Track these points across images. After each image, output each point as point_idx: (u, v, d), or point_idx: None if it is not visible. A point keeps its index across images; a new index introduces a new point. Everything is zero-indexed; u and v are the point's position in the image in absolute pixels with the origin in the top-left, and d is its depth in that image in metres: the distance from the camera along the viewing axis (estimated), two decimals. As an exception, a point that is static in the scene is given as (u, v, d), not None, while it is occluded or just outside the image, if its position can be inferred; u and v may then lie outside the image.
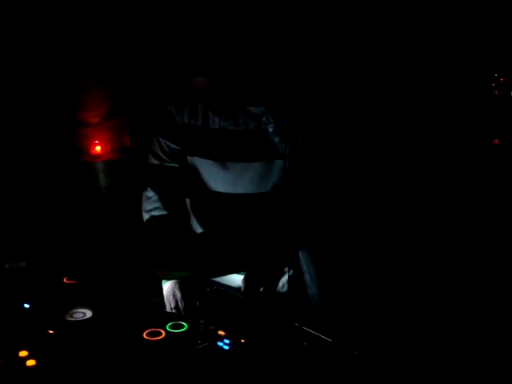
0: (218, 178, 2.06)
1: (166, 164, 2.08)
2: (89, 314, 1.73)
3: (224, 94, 1.93)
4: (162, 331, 1.61)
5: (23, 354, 1.48)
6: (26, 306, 1.78)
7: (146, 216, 2.13)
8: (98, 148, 4.17)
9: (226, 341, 1.57)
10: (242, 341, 1.57)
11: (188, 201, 2.20)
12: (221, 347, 1.54)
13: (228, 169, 2.04)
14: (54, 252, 2.29)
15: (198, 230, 2.22)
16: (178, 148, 2.07)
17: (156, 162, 2.10)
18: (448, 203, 3.63)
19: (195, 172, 2.11)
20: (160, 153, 2.08)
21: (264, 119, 1.93)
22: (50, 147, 3.78)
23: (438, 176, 3.77)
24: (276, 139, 1.89)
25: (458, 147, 3.94)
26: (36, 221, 3.22)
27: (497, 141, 4.47)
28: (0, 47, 3.63)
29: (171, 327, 1.64)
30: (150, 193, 2.11)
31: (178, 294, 1.86)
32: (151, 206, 2.11)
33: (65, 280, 1.99)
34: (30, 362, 1.44)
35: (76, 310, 1.74)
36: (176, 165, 2.09)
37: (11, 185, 3.45)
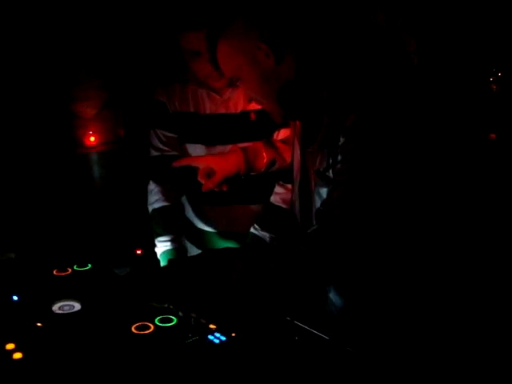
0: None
1: (166, 154, 2.11)
2: (77, 306, 1.71)
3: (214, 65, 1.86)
4: (150, 325, 1.59)
5: (10, 346, 1.45)
6: (15, 298, 1.75)
7: (149, 209, 2.15)
8: (92, 139, 4.15)
9: (217, 334, 1.54)
10: (233, 334, 1.55)
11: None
12: (211, 341, 1.52)
13: (218, 152, 2.07)
14: (45, 244, 2.27)
15: (195, 220, 2.23)
16: (175, 136, 2.08)
17: (156, 153, 2.13)
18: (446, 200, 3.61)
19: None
20: (158, 143, 2.12)
21: None
22: (42, 138, 3.76)
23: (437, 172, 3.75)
24: None
25: (455, 142, 3.92)
26: (27, 212, 3.20)
27: (493, 135, 4.45)
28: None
29: (160, 321, 1.62)
30: (151, 186, 2.15)
31: None
32: (153, 199, 2.15)
33: (54, 272, 1.97)
34: (17, 355, 1.41)
35: (64, 303, 1.72)
36: (175, 153, 2.10)
37: (3, 176, 3.42)
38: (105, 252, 2.16)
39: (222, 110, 2.06)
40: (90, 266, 2.03)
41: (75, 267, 2.01)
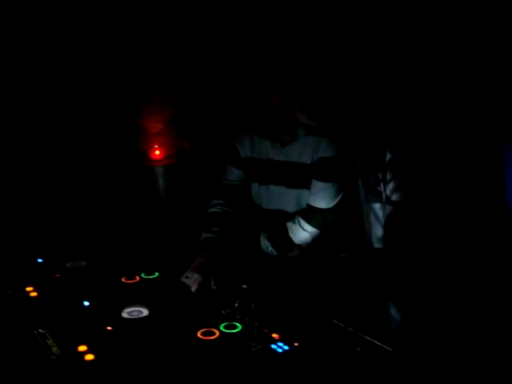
0: (263, 198, 2.44)
1: (230, 183, 2.48)
2: (145, 312, 1.77)
3: (276, 123, 2.24)
4: (215, 331, 1.63)
5: (82, 348, 1.52)
6: (86, 303, 1.83)
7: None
8: (158, 152, 4.26)
9: (280, 344, 1.57)
10: (296, 344, 1.57)
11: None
12: (274, 350, 1.54)
13: (270, 190, 2.40)
14: (114, 253, 2.34)
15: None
16: (241, 172, 2.46)
17: (225, 182, 2.49)
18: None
19: (251, 193, 2.51)
20: (229, 175, 2.49)
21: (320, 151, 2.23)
22: (112, 151, 3.88)
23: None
24: None
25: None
26: (98, 222, 3.30)
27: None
28: (65, 56, 3.75)
29: (225, 327, 1.66)
30: (214, 201, 2.46)
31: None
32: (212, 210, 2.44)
33: (123, 280, 2.04)
34: (89, 357, 1.48)
35: (133, 309, 1.78)
36: (239, 183, 2.48)
37: (75, 187, 3.56)
38: (171, 261, 2.22)
39: (281, 158, 2.36)
40: (157, 274, 2.10)
41: (143, 275, 2.08)
